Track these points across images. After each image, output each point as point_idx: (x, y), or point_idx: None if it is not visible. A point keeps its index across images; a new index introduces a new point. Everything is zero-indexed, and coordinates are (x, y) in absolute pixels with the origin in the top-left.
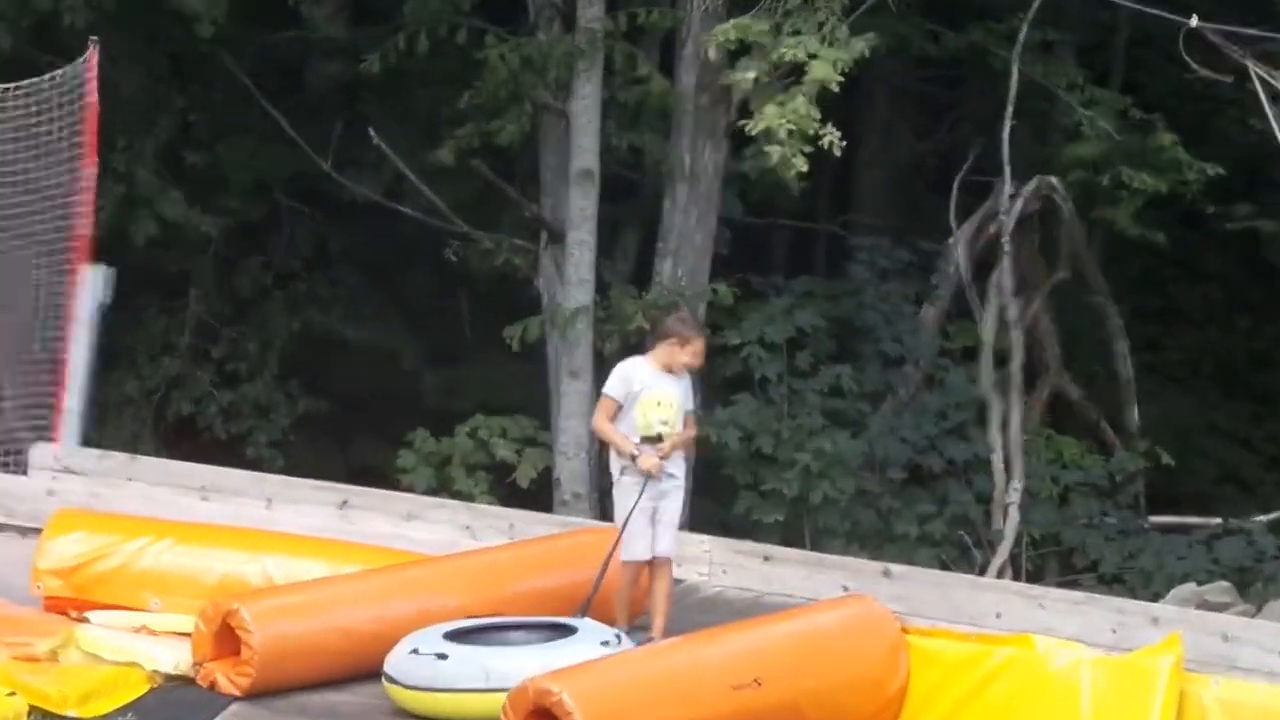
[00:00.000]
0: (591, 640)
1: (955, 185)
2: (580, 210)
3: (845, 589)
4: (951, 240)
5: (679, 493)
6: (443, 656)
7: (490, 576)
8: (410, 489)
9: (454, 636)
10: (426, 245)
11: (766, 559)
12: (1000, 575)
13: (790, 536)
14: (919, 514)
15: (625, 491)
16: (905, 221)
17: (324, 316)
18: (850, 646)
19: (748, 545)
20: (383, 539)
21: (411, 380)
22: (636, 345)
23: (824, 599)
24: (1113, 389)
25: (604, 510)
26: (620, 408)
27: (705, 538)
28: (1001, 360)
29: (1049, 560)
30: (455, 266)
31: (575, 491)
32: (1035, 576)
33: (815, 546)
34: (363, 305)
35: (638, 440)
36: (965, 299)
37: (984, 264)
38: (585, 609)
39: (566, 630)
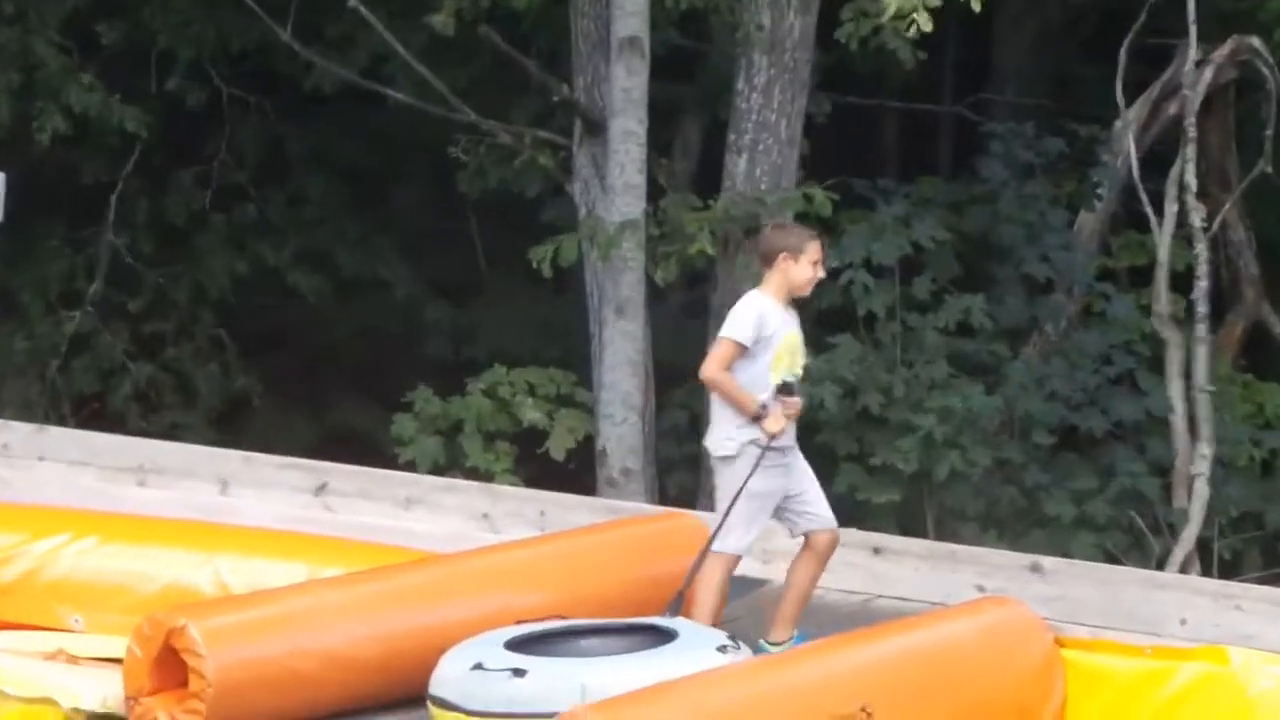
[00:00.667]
0: (702, 645)
1: (1123, 51)
2: (625, 92)
3: (981, 589)
4: (1118, 124)
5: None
6: (520, 672)
7: (523, 580)
8: (410, 467)
9: (520, 646)
10: (421, 144)
11: (877, 551)
12: (1185, 569)
13: (908, 522)
14: (1076, 491)
15: (745, 466)
16: (1056, 101)
17: (277, 248)
18: (989, 664)
19: (853, 535)
20: (374, 532)
21: (408, 322)
22: (703, 273)
23: (954, 603)
24: None
25: (664, 492)
26: (739, 357)
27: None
28: (1183, 284)
29: (1250, 549)
30: (460, 173)
31: (625, 467)
32: (1231, 569)
33: (941, 535)
34: (336, 225)
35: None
36: (1135, 203)
37: (1160, 155)
38: (676, 607)
39: (662, 634)
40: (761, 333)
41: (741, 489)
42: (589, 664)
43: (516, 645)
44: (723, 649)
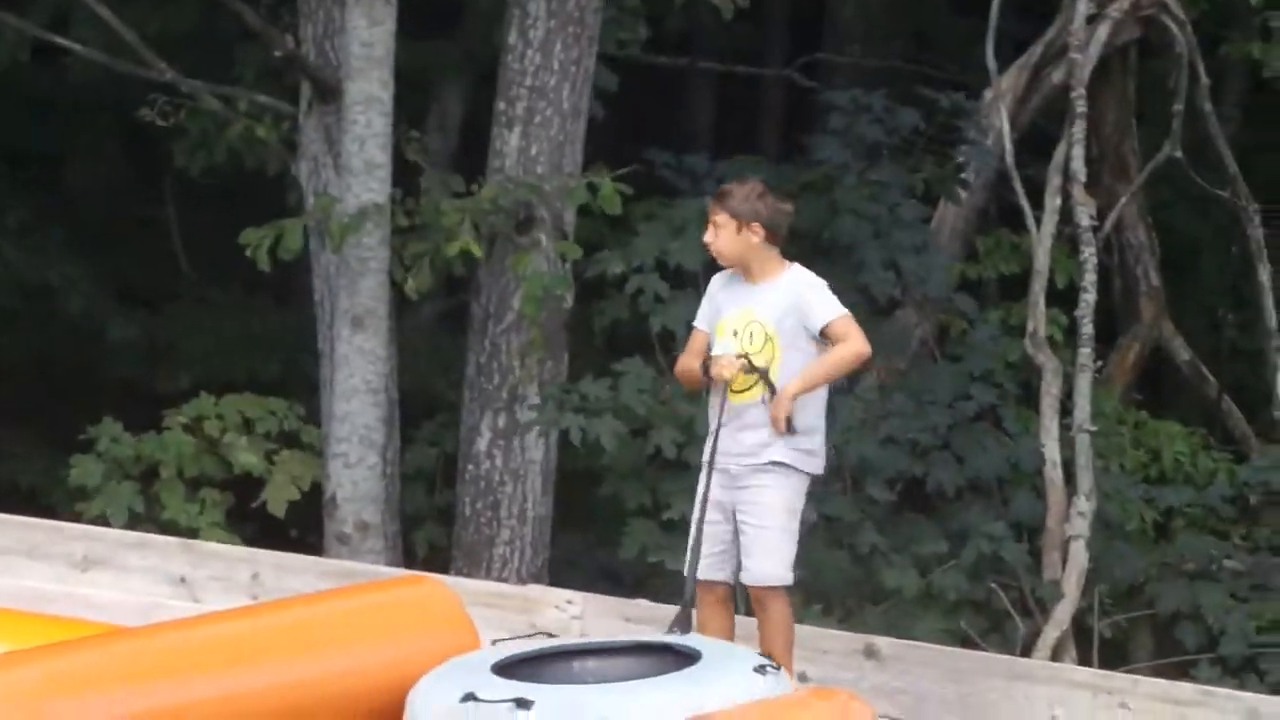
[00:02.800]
0: (734, 666)
1: (995, 1)
2: (366, 47)
3: (804, 679)
4: (988, 94)
5: (774, 479)
6: (525, 703)
7: (228, 660)
8: (102, 519)
9: (511, 671)
10: (108, 110)
11: (672, 629)
12: (1058, 655)
13: None
14: (922, 557)
15: None
16: (911, 64)
17: None
18: None
19: (643, 607)
20: (41, 600)
21: (87, 338)
22: (459, 281)
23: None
24: (1248, 345)
25: (409, 552)
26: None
27: (570, 593)
28: (1065, 298)
29: (1138, 631)
30: (157, 145)
31: (361, 521)
32: (1116, 658)
33: (753, 609)
34: None
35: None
36: (1008, 194)
37: (1042, 135)
38: (685, 624)
39: (681, 654)
40: (715, 308)
41: (701, 498)
42: (607, 691)
43: (506, 670)
44: (760, 669)
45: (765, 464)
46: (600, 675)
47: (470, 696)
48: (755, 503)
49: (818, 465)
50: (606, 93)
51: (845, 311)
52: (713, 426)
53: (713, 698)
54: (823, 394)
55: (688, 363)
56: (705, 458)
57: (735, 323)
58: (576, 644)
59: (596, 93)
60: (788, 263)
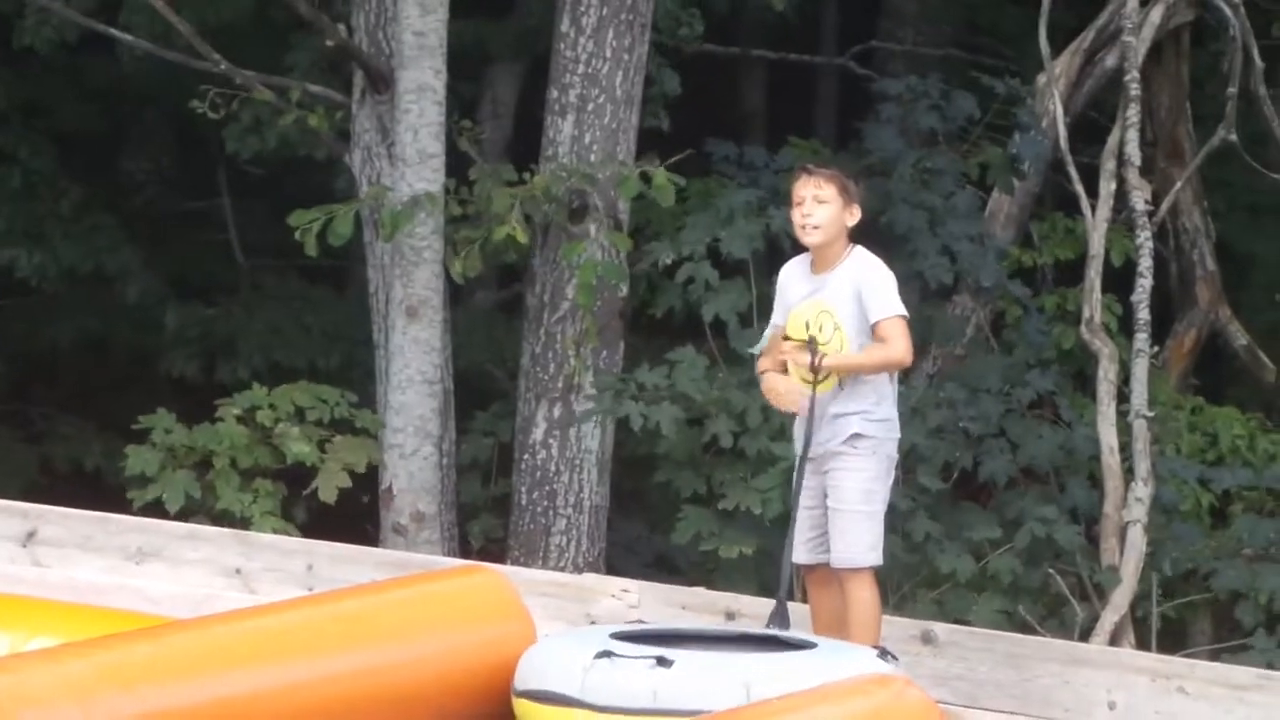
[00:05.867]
0: (851, 652)
1: None
2: (419, 36)
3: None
4: (1041, 79)
5: (853, 460)
6: (665, 662)
7: (283, 653)
8: (153, 513)
9: (639, 639)
10: (159, 101)
11: (730, 616)
12: (1116, 640)
13: (768, 580)
14: (976, 543)
15: None
16: (964, 51)
17: None
18: None
19: (700, 595)
20: (96, 593)
21: (143, 328)
22: (514, 271)
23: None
24: None
25: (465, 542)
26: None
27: (628, 582)
28: (1122, 283)
29: (1197, 615)
30: (211, 136)
31: (417, 511)
32: (1175, 642)
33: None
34: (49, 197)
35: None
36: (1063, 181)
37: (1096, 120)
38: (781, 620)
39: (791, 643)
40: (785, 302)
41: (797, 484)
42: (746, 657)
43: (627, 639)
44: (883, 655)
45: (845, 440)
46: (742, 647)
47: (606, 654)
48: (837, 485)
49: (894, 432)
50: (669, 95)
51: (899, 312)
52: (801, 425)
53: (842, 675)
54: (878, 390)
55: (765, 364)
56: (798, 452)
57: (806, 313)
58: (685, 629)
59: (661, 97)
60: (851, 245)
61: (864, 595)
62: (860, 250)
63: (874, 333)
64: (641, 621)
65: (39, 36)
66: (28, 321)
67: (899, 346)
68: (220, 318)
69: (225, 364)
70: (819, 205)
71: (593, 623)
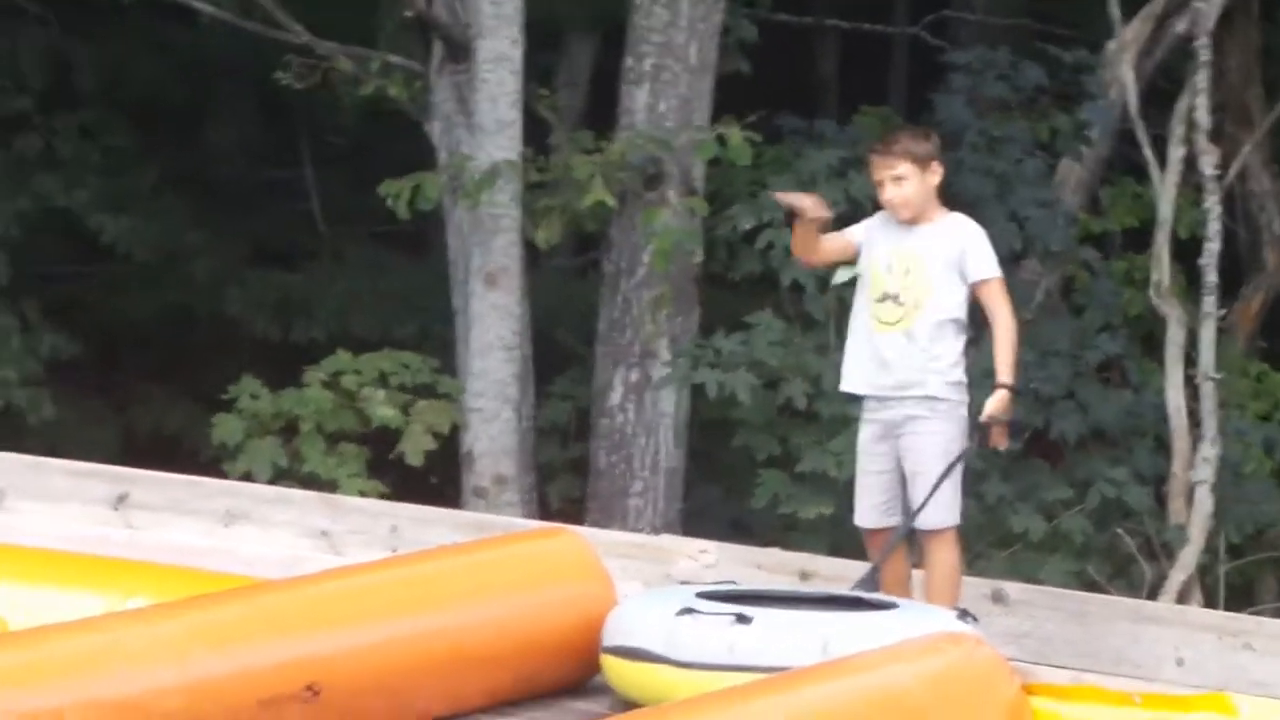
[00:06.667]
0: (931, 612)
1: None
2: (495, 5)
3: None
4: (1111, 46)
5: (930, 423)
6: (744, 619)
7: (370, 612)
8: (247, 476)
9: (724, 598)
10: (242, 72)
11: (805, 576)
12: (1183, 599)
13: (843, 540)
14: (1047, 503)
15: None
16: (1035, 21)
17: (67, 187)
18: (943, 714)
19: (776, 556)
20: (187, 554)
21: (227, 295)
22: (590, 238)
23: (903, 639)
24: None
25: (546, 503)
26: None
27: (705, 543)
28: (1190, 249)
29: (1263, 574)
30: (293, 106)
31: (497, 474)
32: (1241, 600)
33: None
34: (133, 169)
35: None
36: (1132, 148)
37: (1165, 87)
38: (870, 584)
39: (873, 604)
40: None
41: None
42: (825, 616)
43: (710, 598)
44: (962, 615)
45: (919, 400)
46: (824, 606)
47: (688, 610)
48: (916, 449)
49: (966, 395)
50: (746, 44)
51: (1000, 274)
52: (865, 366)
53: (922, 627)
54: (959, 328)
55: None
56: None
57: (890, 257)
58: (774, 590)
59: (738, 45)
60: (946, 209)
61: (946, 556)
62: (960, 215)
63: (975, 290)
64: (732, 582)
65: None
66: (114, 291)
67: (1007, 310)
68: (300, 284)
69: (304, 330)
70: (897, 183)
71: (683, 583)
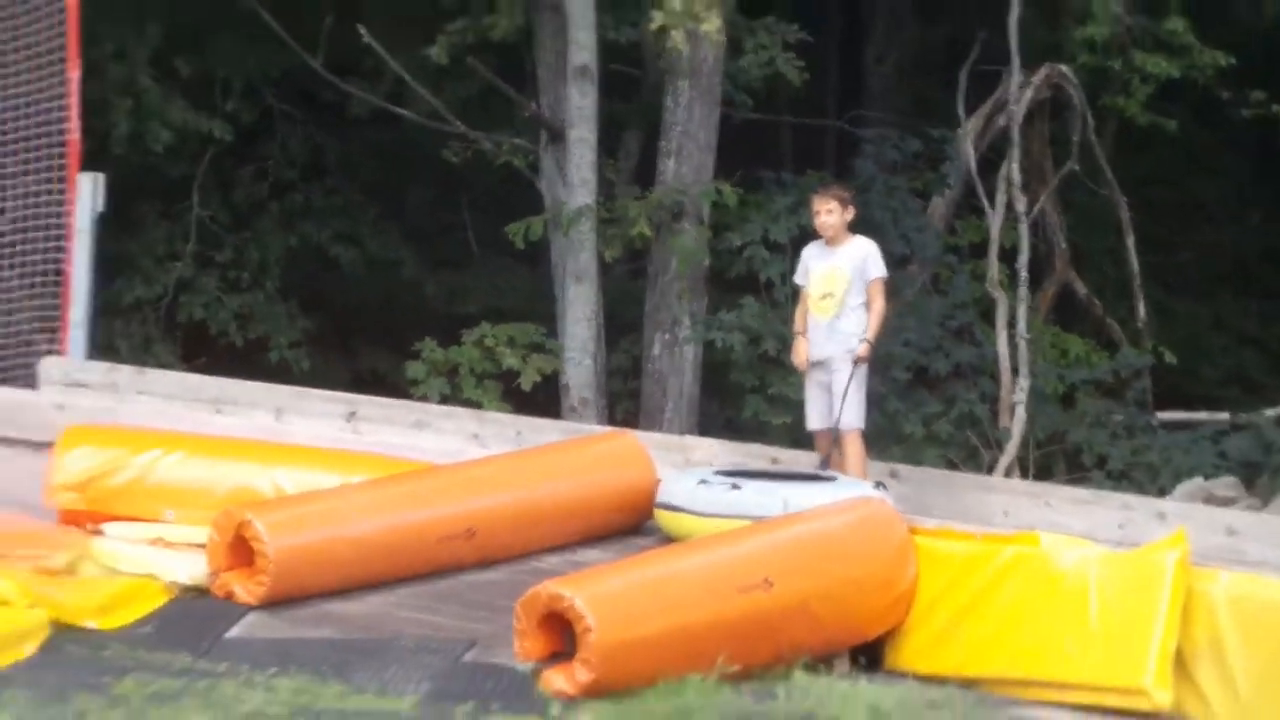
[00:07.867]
0: (861, 484)
1: (963, 75)
2: (579, 109)
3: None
4: (960, 132)
5: (845, 365)
6: (736, 487)
7: (505, 484)
8: (421, 400)
9: (730, 474)
10: (425, 152)
11: (775, 461)
12: (1008, 475)
13: (799, 438)
14: (926, 415)
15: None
16: (915, 115)
17: (320, 228)
18: (859, 547)
19: (755, 448)
20: (392, 449)
21: (414, 290)
22: (640, 252)
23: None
24: (1120, 285)
25: (612, 417)
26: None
27: (712, 441)
28: (1010, 257)
29: (1056, 459)
30: (455, 172)
31: (583, 397)
32: (1042, 475)
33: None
34: (363, 214)
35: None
36: (973, 195)
37: (993, 157)
38: (824, 466)
39: (826, 478)
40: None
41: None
42: (787, 485)
43: (723, 474)
44: (878, 485)
45: (839, 355)
46: (790, 479)
47: (703, 481)
48: (839, 380)
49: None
50: (728, 127)
51: (885, 274)
52: (812, 336)
53: (848, 495)
54: (863, 310)
55: (799, 324)
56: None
57: (823, 272)
58: (767, 469)
59: (724, 127)
60: (851, 233)
61: (856, 449)
62: (862, 237)
63: (868, 285)
64: (744, 464)
65: (359, 104)
66: (344, 291)
67: (881, 301)
68: (461, 281)
69: (464, 311)
70: (829, 213)
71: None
